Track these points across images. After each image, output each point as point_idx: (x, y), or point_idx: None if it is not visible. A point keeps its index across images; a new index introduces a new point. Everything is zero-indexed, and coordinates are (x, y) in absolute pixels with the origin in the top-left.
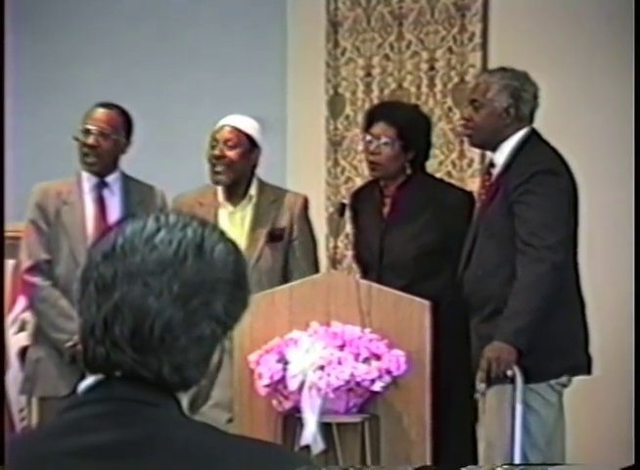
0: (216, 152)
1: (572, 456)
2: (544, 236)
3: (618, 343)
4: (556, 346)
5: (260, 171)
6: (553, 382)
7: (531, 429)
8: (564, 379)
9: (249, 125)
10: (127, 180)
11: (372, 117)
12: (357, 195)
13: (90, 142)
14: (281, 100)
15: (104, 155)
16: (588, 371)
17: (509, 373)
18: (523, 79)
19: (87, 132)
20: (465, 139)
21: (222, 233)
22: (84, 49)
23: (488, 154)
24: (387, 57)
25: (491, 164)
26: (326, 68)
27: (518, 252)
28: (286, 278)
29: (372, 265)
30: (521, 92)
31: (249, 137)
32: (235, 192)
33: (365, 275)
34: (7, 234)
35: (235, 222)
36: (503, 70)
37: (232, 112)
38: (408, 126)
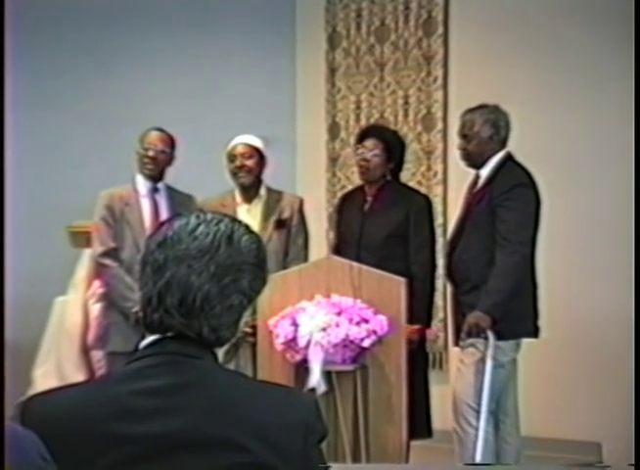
0: (237, 163)
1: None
2: (518, 233)
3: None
4: (517, 316)
5: (276, 180)
6: (513, 342)
7: (494, 377)
8: (519, 340)
9: (256, 141)
10: (169, 189)
11: (365, 134)
12: (344, 198)
13: (151, 155)
14: (292, 126)
15: (160, 165)
16: (535, 336)
17: (483, 335)
18: (497, 112)
19: (148, 149)
20: (462, 162)
21: (247, 227)
22: (151, 89)
23: (462, 168)
24: (371, 94)
25: (477, 177)
26: (325, 102)
27: (497, 244)
28: (286, 255)
29: (352, 245)
30: (498, 122)
31: (257, 150)
32: (249, 194)
33: (344, 253)
34: (80, 229)
35: (249, 216)
36: (481, 107)
37: (257, 135)
38: (392, 143)
